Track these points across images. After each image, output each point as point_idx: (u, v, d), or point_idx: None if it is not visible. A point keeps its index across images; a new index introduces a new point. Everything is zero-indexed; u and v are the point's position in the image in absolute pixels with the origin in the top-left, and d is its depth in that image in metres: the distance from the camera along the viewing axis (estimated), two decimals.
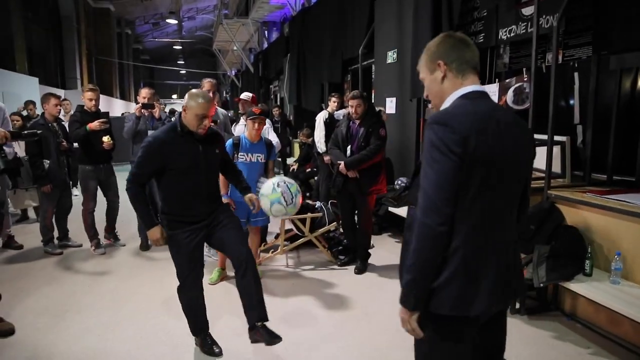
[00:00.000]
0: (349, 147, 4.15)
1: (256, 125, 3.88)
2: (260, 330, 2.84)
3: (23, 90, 10.78)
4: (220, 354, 2.83)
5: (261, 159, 3.99)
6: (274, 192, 3.37)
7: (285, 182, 3.45)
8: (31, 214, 6.56)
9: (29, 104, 6.87)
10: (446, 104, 1.52)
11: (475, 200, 1.40)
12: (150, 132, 4.53)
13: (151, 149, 2.59)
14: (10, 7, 12.18)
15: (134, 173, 2.62)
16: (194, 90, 2.71)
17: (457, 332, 1.49)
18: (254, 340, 2.83)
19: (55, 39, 17.20)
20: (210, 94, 4.22)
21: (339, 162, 4.14)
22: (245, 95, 4.92)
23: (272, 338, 2.80)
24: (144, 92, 4.94)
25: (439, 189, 1.36)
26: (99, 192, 4.96)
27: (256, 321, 2.85)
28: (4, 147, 3.09)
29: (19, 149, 5.58)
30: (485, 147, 1.37)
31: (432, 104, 1.61)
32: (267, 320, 2.87)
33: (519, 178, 1.52)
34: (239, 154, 3.89)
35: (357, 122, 4.15)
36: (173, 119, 3.02)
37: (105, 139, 4.61)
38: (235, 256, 2.78)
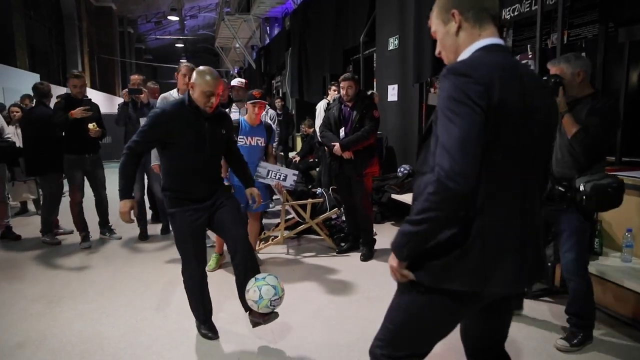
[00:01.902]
0: (342, 130, 4.09)
1: (256, 109, 3.83)
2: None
3: (24, 86, 10.74)
4: (216, 337, 2.75)
5: (261, 143, 3.93)
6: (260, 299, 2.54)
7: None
8: (31, 207, 6.50)
9: (25, 98, 6.82)
10: (462, 57, 1.35)
11: (499, 165, 1.24)
12: (141, 120, 4.47)
13: (158, 119, 2.52)
14: (11, 3, 12.17)
15: (134, 140, 2.53)
16: (201, 67, 2.62)
17: (456, 307, 1.36)
18: (254, 324, 2.73)
19: (58, 37, 17.19)
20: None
21: (333, 143, 4.06)
22: (238, 81, 4.81)
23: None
24: (133, 78, 4.85)
25: (463, 147, 1.17)
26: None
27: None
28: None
29: (17, 138, 5.54)
30: (511, 103, 1.22)
31: (446, 61, 1.43)
32: None
33: (547, 145, 1.36)
34: (239, 137, 3.83)
35: (349, 105, 4.08)
36: None
37: (91, 126, 4.43)
38: (229, 238, 2.69)
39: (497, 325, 1.54)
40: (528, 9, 3.90)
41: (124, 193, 2.53)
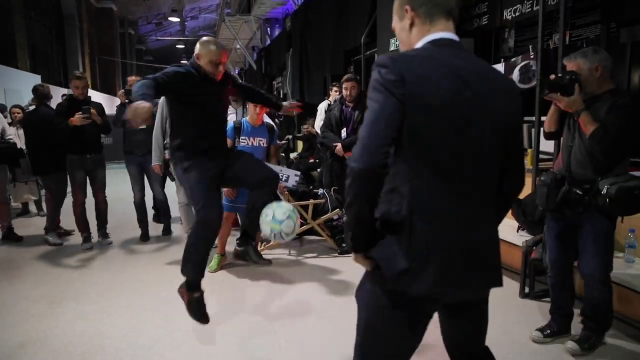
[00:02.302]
0: (343, 131, 4.08)
1: (257, 108, 3.83)
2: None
3: (25, 87, 10.76)
4: (207, 321, 2.64)
5: (263, 143, 3.93)
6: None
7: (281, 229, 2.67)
8: (32, 208, 6.50)
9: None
10: None
11: (423, 155, 1.23)
12: None
13: (182, 71, 2.65)
14: (12, 4, 12.19)
15: (158, 77, 2.51)
16: (204, 38, 2.74)
17: (404, 308, 1.31)
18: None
19: (58, 38, 17.22)
20: None
21: (335, 144, 4.06)
22: None
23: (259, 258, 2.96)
24: (130, 79, 4.86)
25: (372, 128, 1.20)
26: None
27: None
28: None
29: (18, 140, 5.54)
30: (433, 98, 1.21)
31: None
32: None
33: (488, 139, 1.28)
34: (241, 137, 3.84)
35: (351, 105, 4.08)
36: None
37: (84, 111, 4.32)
38: (258, 177, 2.88)
39: (465, 330, 1.49)
40: (529, 10, 3.89)
41: (142, 94, 2.33)
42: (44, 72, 14.40)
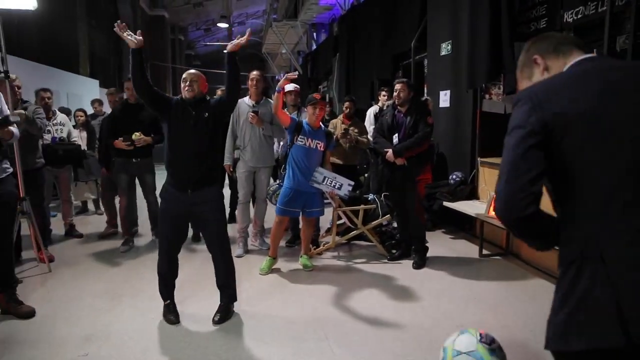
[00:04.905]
0: (395, 136, 4.05)
1: (317, 110, 3.88)
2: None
3: (85, 91, 11.38)
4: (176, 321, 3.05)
5: (320, 147, 3.96)
6: None
7: None
8: (90, 206, 6.83)
9: (95, 102, 7.20)
10: None
11: (597, 186, 1.12)
12: None
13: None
14: (77, 15, 12.89)
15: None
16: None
17: None
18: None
19: (115, 45, 18.06)
20: None
21: (385, 150, 4.03)
22: (293, 86, 4.82)
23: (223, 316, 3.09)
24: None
25: (512, 170, 1.16)
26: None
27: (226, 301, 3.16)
28: None
29: (81, 141, 5.84)
30: (576, 110, 1.12)
31: None
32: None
33: None
34: (299, 136, 3.89)
35: (403, 111, 4.04)
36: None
37: (134, 136, 4.38)
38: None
39: None
40: (594, 11, 3.73)
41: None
42: (102, 77, 15.12)
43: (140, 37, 2.83)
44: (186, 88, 2.97)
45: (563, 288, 1.16)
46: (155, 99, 2.98)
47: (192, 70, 3.11)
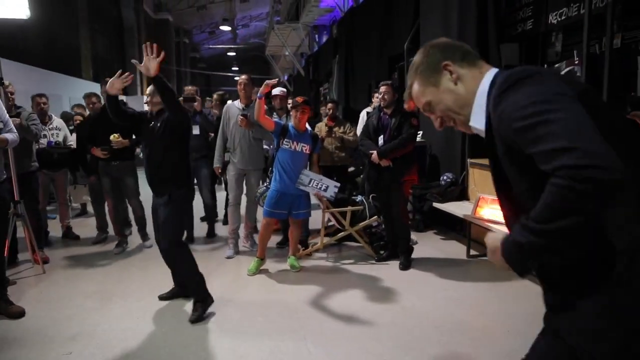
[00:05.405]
0: (380, 138, 4.10)
1: (298, 113, 3.93)
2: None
3: None
4: None
5: (306, 150, 4.01)
6: None
7: None
8: (89, 208, 6.91)
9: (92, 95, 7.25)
10: (479, 102, 1.16)
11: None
12: (194, 128, 4.67)
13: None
14: (79, 18, 13.05)
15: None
16: None
17: None
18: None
19: (118, 48, 18.24)
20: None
21: (370, 151, 4.08)
22: (279, 90, 4.96)
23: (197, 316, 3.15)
24: (187, 89, 5.11)
25: (580, 129, 0.91)
26: None
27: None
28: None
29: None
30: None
31: (457, 121, 1.24)
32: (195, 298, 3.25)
33: None
34: (285, 139, 3.94)
35: (388, 113, 4.09)
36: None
37: (113, 137, 4.26)
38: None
39: None
40: (576, 13, 3.76)
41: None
42: (104, 81, 15.29)
43: (129, 80, 3.18)
44: (149, 102, 3.34)
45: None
46: (132, 121, 3.41)
47: (151, 86, 3.27)
